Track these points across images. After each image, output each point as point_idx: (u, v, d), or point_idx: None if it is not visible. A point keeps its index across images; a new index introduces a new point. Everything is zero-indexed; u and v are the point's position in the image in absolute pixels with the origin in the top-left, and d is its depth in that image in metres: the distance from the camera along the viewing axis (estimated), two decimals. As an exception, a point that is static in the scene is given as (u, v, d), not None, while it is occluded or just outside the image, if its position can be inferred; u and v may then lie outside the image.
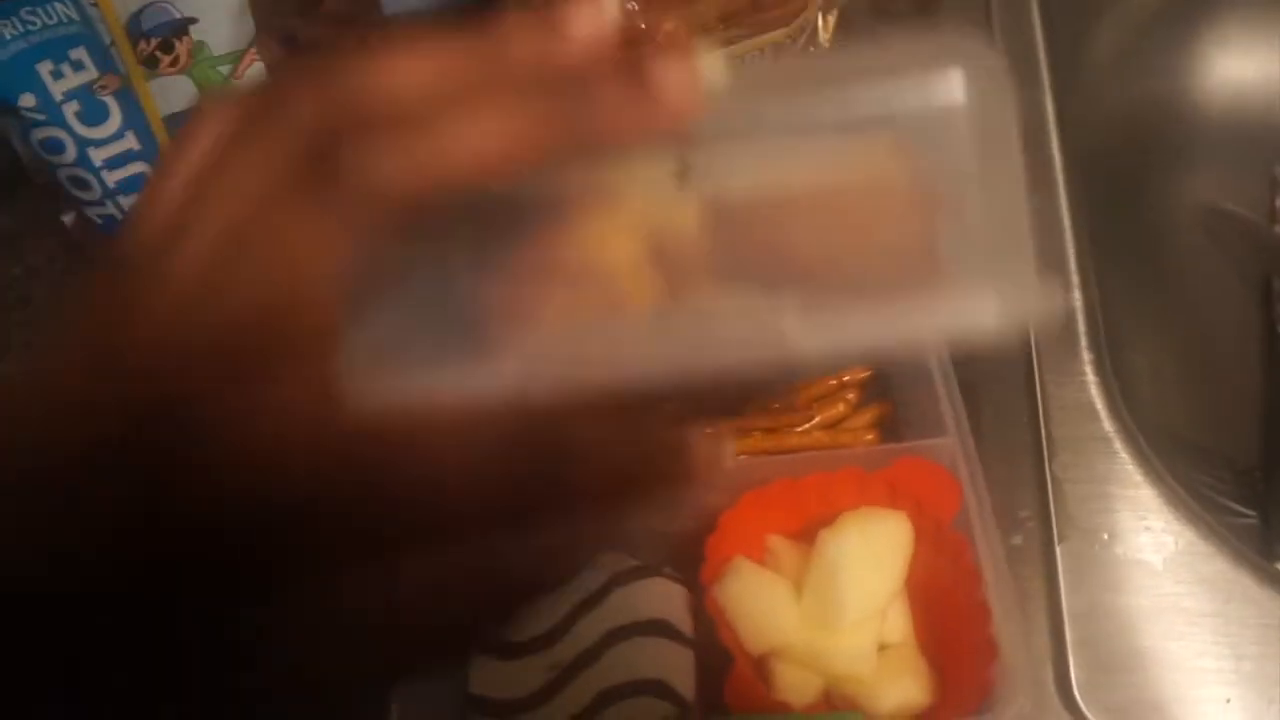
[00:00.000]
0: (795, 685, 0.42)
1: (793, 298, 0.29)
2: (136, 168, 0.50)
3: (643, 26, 0.56)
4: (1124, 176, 0.68)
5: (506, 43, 0.24)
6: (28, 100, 0.47)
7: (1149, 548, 0.44)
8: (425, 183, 0.22)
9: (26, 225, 0.63)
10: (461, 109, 0.23)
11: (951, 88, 0.27)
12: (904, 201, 0.30)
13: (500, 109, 0.23)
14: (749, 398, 0.49)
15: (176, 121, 0.49)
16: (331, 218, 0.23)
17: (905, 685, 0.41)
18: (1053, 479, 0.46)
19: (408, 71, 0.23)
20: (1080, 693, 0.41)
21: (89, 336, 0.24)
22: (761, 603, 0.43)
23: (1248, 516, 0.59)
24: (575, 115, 0.23)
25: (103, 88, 0.48)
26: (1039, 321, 0.33)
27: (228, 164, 0.24)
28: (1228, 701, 0.40)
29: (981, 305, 0.28)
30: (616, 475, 0.25)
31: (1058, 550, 0.44)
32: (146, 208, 0.25)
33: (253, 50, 0.50)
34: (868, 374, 0.51)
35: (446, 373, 0.27)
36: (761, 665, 0.43)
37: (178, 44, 0.47)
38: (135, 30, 0.46)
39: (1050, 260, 0.53)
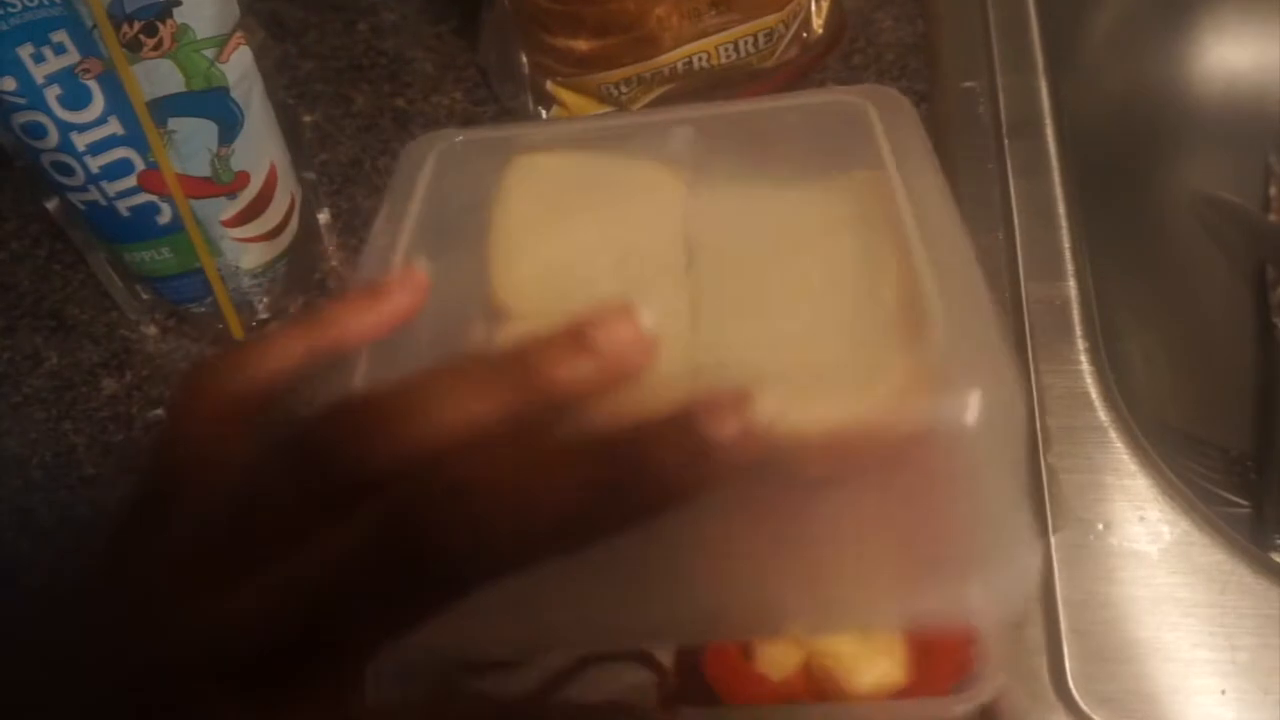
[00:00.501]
0: (775, 659, 0.42)
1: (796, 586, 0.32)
2: (120, 153, 0.49)
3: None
4: (1119, 163, 0.68)
5: (545, 369, 0.25)
6: (8, 84, 0.46)
7: (1144, 538, 0.43)
8: (497, 565, 0.23)
9: (9, 211, 0.63)
10: (524, 478, 0.23)
11: (968, 407, 0.30)
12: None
13: (562, 483, 0.23)
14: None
15: (160, 106, 0.48)
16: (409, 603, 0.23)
17: (883, 664, 0.41)
18: (1048, 468, 0.45)
19: (452, 416, 0.24)
20: (1075, 683, 0.41)
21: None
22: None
23: (1241, 506, 0.59)
24: (636, 485, 0.23)
25: (85, 71, 0.47)
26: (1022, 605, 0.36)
27: (289, 529, 0.23)
28: (1223, 692, 0.40)
29: (975, 592, 0.31)
30: None
31: (1053, 540, 0.44)
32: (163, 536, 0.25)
33: (238, 34, 0.49)
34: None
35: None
36: (742, 638, 0.43)
37: (161, 27, 0.47)
38: (118, 13, 0.45)
39: (1045, 248, 0.53)
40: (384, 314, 0.30)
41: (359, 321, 0.30)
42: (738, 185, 0.45)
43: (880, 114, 0.44)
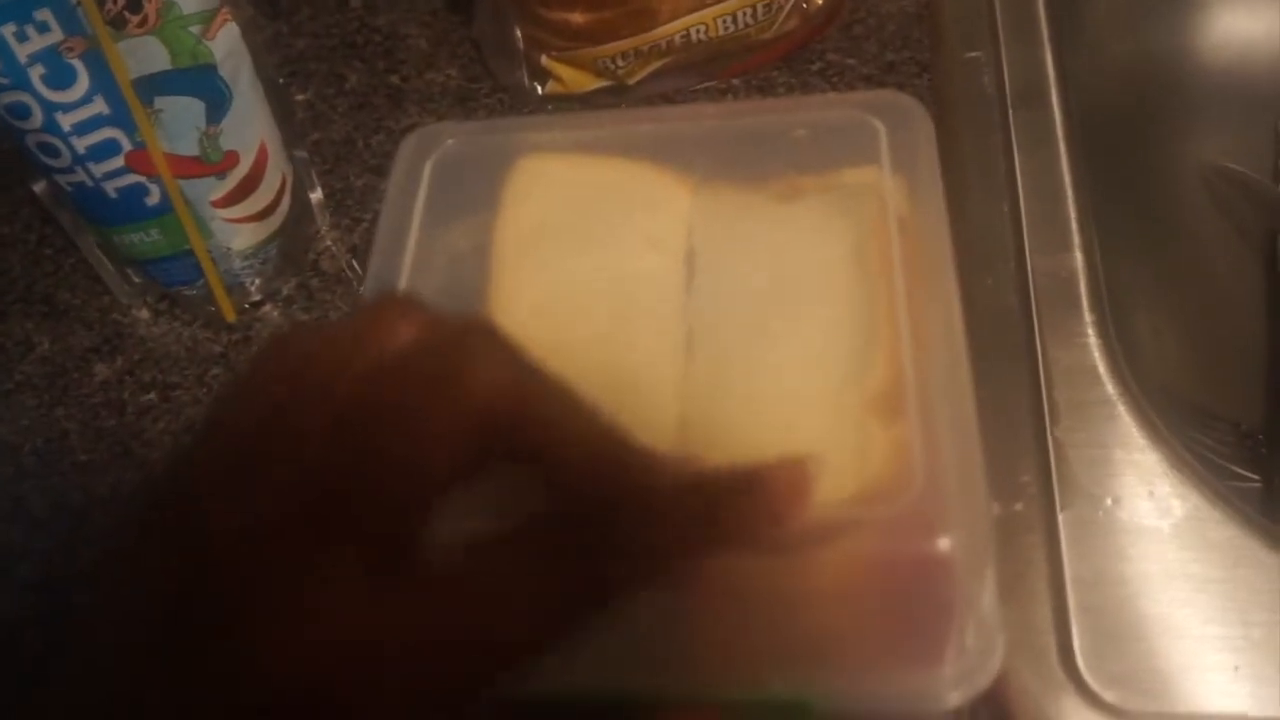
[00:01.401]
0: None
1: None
2: (107, 133, 0.48)
3: None
4: (1126, 134, 0.67)
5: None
6: (-9, 64, 0.45)
7: (1154, 513, 0.43)
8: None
9: (-3, 195, 0.62)
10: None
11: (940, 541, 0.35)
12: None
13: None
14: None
15: (146, 84, 0.47)
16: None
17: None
18: (1055, 443, 0.44)
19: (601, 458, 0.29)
20: (1084, 662, 0.40)
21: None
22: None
23: (1252, 480, 0.58)
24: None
25: (69, 50, 0.46)
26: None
27: None
28: (1236, 669, 0.39)
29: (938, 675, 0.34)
30: None
31: (1060, 516, 0.43)
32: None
33: (224, 10, 0.48)
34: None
35: None
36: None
37: (146, 3, 0.46)
38: (102, -11, 0.45)
39: (1051, 220, 0.52)
40: None
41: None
42: (742, 200, 0.45)
43: (889, 132, 0.44)
